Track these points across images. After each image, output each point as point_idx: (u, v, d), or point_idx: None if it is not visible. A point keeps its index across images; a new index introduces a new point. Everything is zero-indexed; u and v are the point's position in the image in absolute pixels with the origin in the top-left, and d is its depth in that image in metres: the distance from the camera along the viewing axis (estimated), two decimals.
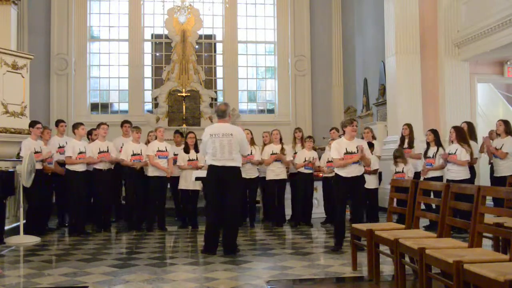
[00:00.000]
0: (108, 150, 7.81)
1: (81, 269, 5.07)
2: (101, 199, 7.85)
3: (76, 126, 7.65)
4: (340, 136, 6.72)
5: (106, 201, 7.91)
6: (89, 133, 8.44)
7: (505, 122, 7.48)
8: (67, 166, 7.45)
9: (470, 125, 7.84)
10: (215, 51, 15.57)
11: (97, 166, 7.73)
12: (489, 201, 5.45)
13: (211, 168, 5.90)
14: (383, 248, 4.56)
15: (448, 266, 3.18)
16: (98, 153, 7.71)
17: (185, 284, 4.46)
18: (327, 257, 5.54)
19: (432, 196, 6.11)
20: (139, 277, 4.73)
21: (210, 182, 5.98)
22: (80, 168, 7.44)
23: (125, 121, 8.84)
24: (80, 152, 7.41)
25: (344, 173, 5.85)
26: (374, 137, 8.60)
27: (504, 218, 4.48)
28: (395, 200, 5.16)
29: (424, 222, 7.15)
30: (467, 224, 3.74)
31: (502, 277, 2.72)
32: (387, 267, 4.89)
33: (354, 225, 4.99)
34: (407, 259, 4.19)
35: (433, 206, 7.11)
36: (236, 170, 5.89)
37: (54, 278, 4.72)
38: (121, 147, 8.10)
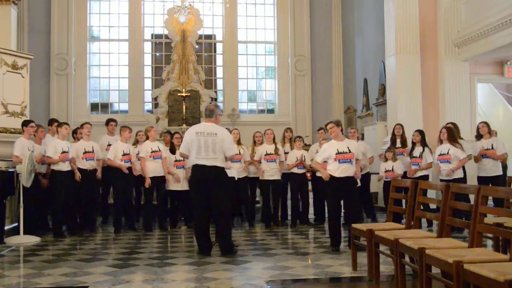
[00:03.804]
0: (93, 150, 7.72)
1: (81, 269, 5.07)
2: (86, 199, 7.69)
3: (59, 125, 7.46)
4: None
5: (91, 201, 7.79)
6: (74, 132, 8.36)
7: (487, 124, 7.74)
8: (51, 166, 7.25)
9: (456, 126, 7.92)
10: (215, 51, 15.58)
11: (82, 166, 7.61)
12: (489, 201, 5.45)
13: (195, 168, 5.86)
14: (383, 248, 4.56)
15: (448, 266, 3.18)
16: (83, 153, 7.63)
17: (185, 284, 4.46)
18: (327, 257, 5.54)
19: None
20: (139, 277, 4.74)
21: (194, 182, 5.92)
22: (65, 167, 7.25)
23: (111, 119, 8.68)
24: (63, 152, 7.18)
25: (336, 173, 5.85)
26: (358, 138, 8.56)
27: (504, 218, 4.49)
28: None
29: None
30: (467, 224, 3.74)
31: (502, 277, 2.72)
32: (387, 267, 4.89)
33: (354, 225, 4.97)
34: (407, 259, 4.19)
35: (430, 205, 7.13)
36: (219, 169, 5.83)
37: (54, 278, 4.71)
38: (108, 146, 8.05)
